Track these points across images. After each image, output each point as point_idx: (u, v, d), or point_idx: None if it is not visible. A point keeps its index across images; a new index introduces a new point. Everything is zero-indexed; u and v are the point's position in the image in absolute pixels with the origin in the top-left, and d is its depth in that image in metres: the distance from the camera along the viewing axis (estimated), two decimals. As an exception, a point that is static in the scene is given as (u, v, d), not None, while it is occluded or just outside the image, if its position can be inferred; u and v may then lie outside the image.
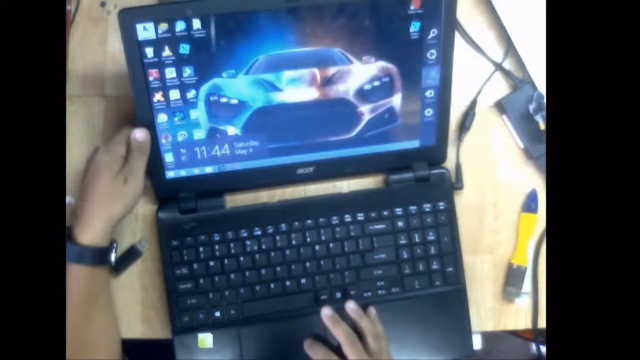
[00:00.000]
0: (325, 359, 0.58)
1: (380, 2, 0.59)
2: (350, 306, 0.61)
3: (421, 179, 0.67)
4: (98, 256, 0.58)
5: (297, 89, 0.62)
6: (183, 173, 0.64)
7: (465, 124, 0.69)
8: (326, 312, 0.60)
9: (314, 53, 0.60)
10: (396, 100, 0.64)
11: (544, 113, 0.65)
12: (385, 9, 0.59)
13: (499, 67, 0.70)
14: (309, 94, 0.62)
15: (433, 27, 0.61)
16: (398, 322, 0.64)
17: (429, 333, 0.65)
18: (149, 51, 0.58)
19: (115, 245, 0.64)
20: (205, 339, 0.63)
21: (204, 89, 0.60)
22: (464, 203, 0.69)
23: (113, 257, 0.63)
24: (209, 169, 0.64)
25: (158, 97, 0.60)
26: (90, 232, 0.57)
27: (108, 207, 0.58)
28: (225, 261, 0.64)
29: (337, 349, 0.59)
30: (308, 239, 0.65)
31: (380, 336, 0.60)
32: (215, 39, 0.58)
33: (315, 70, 0.61)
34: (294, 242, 0.65)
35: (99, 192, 0.57)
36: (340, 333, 0.58)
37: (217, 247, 0.64)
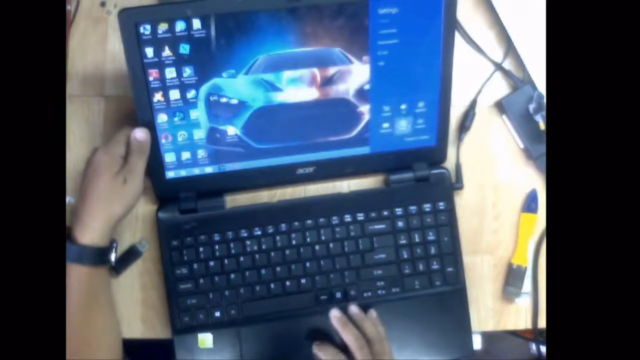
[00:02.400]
0: (335, 358, 0.58)
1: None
2: (353, 310, 0.61)
3: (421, 179, 0.67)
4: (98, 256, 0.58)
5: (297, 89, 0.62)
6: (183, 173, 0.64)
7: (465, 124, 0.69)
8: (335, 314, 0.60)
9: (314, 53, 0.60)
10: (396, 100, 0.64)
11: (544, 113, 0.65)
12: (385, 9, 0.59)
13: (499, 67, 0.70)
14: (309, 94, 0.62)
15: (433, 27, 0.61)
16: (398, 322, 0.64)
17: (429, 333, 0.65)
18: (149, 51, 0.58)
19: (115, 245, 0.64)
20: (205, 339, 0.63)
21: (204, 89, 0.60)
22: (464, 203, 0.69)
23: (113, 257, 0.63)
24: (209, 169, 0.64)
25: (158, 97, 0.60)
26: (89, 232, 0.57)
27: (107, 207, 0.58)
28: (225, 261, 0.64)
29: (343, 350, 0.59)
30: (308, 239, 0.65)
31: (382, 338, 0.60)
32: (215, 39, 0.58)
33: (315, 70, 0.61)
34: (294, 242, 0.65)
35: (98, 192, 0.57)
36: (349, 336, 0.59)
37: (217, 247, 0.64)
